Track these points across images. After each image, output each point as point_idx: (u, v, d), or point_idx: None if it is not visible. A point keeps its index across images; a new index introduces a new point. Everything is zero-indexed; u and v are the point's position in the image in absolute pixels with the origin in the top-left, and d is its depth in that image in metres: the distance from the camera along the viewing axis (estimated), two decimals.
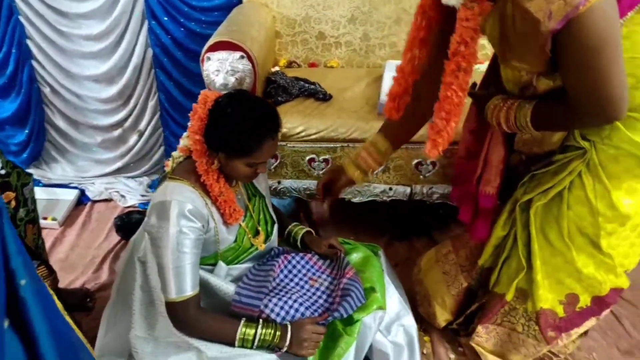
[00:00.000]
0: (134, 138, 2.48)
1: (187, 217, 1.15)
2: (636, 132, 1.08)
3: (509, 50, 1.02)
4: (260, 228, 1.38)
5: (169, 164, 1.31)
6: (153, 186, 2.48)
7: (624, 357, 1.66)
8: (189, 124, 1.21)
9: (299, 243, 1.46)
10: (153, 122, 2.46)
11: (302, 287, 1.32)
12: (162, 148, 2.56)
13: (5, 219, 0.56)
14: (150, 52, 2.29)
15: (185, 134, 1.31)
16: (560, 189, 1.21)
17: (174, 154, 1.32)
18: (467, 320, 1.62)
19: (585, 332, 1.49)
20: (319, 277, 1.37)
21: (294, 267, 1.37)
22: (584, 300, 1.34)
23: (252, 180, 1.30)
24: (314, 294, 1.32)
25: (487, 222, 1.42)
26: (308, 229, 1.50)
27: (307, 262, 1.39)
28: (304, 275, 1.36)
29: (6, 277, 0.56)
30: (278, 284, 1.30)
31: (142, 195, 2.41)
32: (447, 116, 1.10)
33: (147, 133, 2.47)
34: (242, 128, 1.15)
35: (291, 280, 1.34)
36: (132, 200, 2.37)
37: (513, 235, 1.36)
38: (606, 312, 1.38)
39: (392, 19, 2.16)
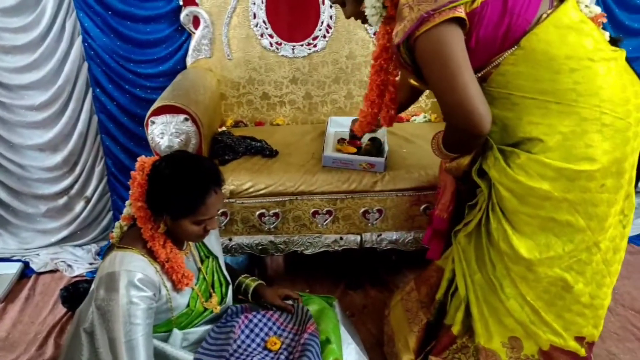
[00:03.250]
0: (80, 205, 2.43)
1: (137, 287, 1.13)
2: (518, 169, 1.17)
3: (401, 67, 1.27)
4: (214, 291, 1.37)
5: (114, 235, 1.30)
6: (101, 253, 2.41)
7: None
8: (130, 192, 1.22)
9: (249, 296, 1.46)
10: (100, 188, 2.43)
11: (264, 348, 1.31)
12: (111, 213, 2.51)
13: None
14: (95, 118, 2.31)
15: (127, 202, 1.32)
16: (476, 222, 1.29)
17: (118, 223, 1.32)
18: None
19: None
20: (281, 334, 1.36)
21: (256, 325, 1.35)
22: (529, 349, 1.31)
23: (203, 239, 1.29)
24: (275, 354, 1.30)
25: (440, 243, 1.53)
26: (260, 281, 1.50)
27: (268, 320, 1.38)
28: (266, 334, 1.35)
29: None
30: (239, 346, 1.29)
31: (90, 264, 2.33)
32: (370, 104, 1.61)
33: (94, 199, 2.43)
34: (183, 187, 1.17)
35: (252, 340, 1.32)
36: (80, 269, 2.29)
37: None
38: None
39: (331, 78, 2.29)
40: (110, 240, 1.32)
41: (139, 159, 1.24)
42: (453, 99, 1.10)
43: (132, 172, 1.21)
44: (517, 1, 1.12)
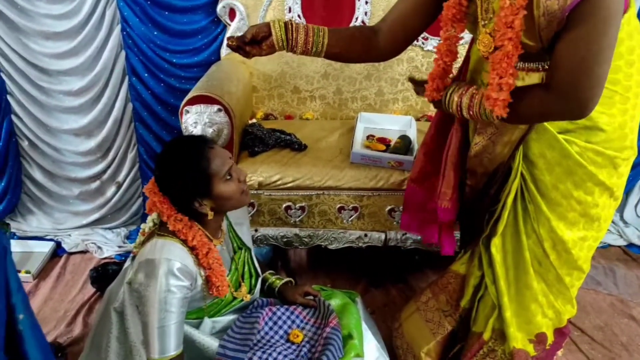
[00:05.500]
0: (112, 190, 2.50)
1: (175, 276, 1.15)
2: (577, 153, 1.18)
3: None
4: (243, 281, 1.39)
5: (145, 232, 1.34)
6: (131, 237, 2.47)
7: None
8: (153, 216, 1.26)
9: (275, 293, 1.48)
10: (132, 174, 2.49)
11: (287, 340, 1.33)
12: (140, 199, 2.57)
13: (8, 257, 0.59)
14: (130, 106, 2.36)
15: (149, 218, 1.35)
16: (505, 221, 1.30)
17: (139, 239, 1.36)
18: None
19: None
20: (304, 327, 1.38)
21: (279, 318, 1.37)
22: (550, 337, 1.38)
23: (248, 194, 1.30)
24: (297, 346, 1.32)
25: (451, 236, 1.52)
26: (286, 279, 1.52)
27: (292, 313, 1.40)
28: (289, 327, 1.37)
29: (7, 311, 0.58)
30: (263, 337, 1.31)
31: (119, 247, 2.40)
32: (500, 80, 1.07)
33: (125, 185, 2.49)
34: (184, 166, 1.19)
35: (276, 332, 1.34)
36: (109, 251, 2.36)
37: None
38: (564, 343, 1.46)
39: (362, 74, 2.28)
40: (141, 234, 1.35)
41: (144, 190, 1.28)
42: (589, 72, 0.99)
43: (147, 202, 1.25)
44: None
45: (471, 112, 1.15)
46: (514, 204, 1.29)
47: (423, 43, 2.22)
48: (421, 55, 2.25)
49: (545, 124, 1.19)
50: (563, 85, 1.02)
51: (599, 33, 0.97)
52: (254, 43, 1.27)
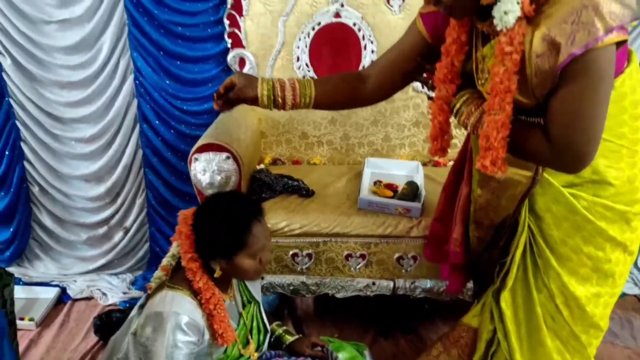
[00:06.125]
0: (119, 235, 2.50)
1: (183, 331, 1.14)
2: (584, 210, 1.15)
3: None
4: (251, 337, 1.36)
5: (152, 286, 1.32)
6: (136, 283, 2.45)
7: None
8: (174, 246, 1.24)
9: (283, 346, 1.45)
10: (139, 219, 2.49)
11: None
12: (147, 244, 2.57)
13: (6, 339, 0.58)
14: (140, 152, 2.39)
15: (169, 254, 1.34)
16: (514, 275, 1.27)
17: (157, 274, 1.33)
18: None
19: None
20: None
21: None
22: None
23: (261, 274, 1.29)
24: None
25: (459, 277, 1.53)
26: (296, 336, 1.48)
27: None
28: None
29: None
30: None
31: (124, 293, 2.37)
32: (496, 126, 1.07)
33: (133, 230, 2.49)
34: (227, 224, 1.19)
35: None
36: (114, 298, 2.33)
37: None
38: None
39: (369, 120, 2.31)
40: (148, 291, 1.33)
41: (179, 213, 1.26)
42: (583, 128, 1.00)
43: (177, 227, 1.24)
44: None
45: (475, 132, 1.15)
46: (523, 258, 1.26)
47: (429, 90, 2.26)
48: (427, 102, 2.27)
49: (550, 178, 1.18)
50: (558, 139, 1.03)
51: (591, 90, 0.98)
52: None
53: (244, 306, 1.37)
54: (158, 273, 1.33)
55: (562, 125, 1.02)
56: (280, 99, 1.29)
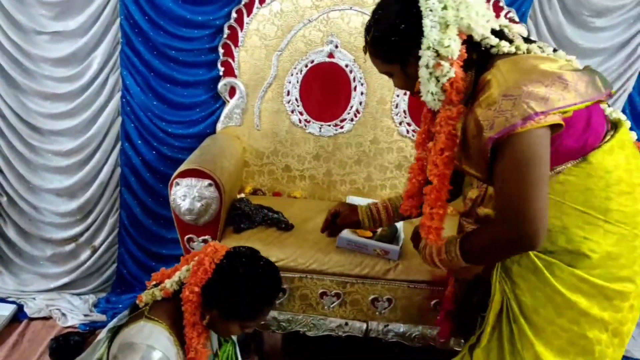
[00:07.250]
0: (86, 253, 2.41)
1: None
2: (557, 279, 1.13)
3: (464, 152, 1.15)
4: None
5: (143, 299, 1.26)
6: (98, 305, 2.35)
7: None
8: (183, 270, 1.21)
9: None
10: (110, 239, 2.42)
11: None
12: (115, 265, 2.48)
13: None
14: (118, 170, 2.34)
15: (174, 277, 1.28)
16: (488, 336, 1.24)
17: (152, 290, 1.27)
18: None
19: None
20: None
21: None
22: None
23: (232, 337, 1.31)
24: None
25: (448, 325, 1.59)
26: None
27: None
28: None
29: None
30: None
31: (85, 315, 2.27)
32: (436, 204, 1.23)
33: (101, 249, 2.41)
34: (252, 296, 1.17)
35: None
36: (74, 320, 2.22)
37: None
38: None
39: (353, 159, 2.33)
40: (138, 302, 1.27)
41: (211, 243, 1.23)
42: (523, 207, 1.03)
43: (200, 255, 1.20)
44: (595, 116, 1.12)
45: (441, 259, 1.24)
46: (499, 320, 1.22)
47: (413, 135, 2.30)
48: (410, 147, 2.32)
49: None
50: (504, 212, 1.09)
51: (517, 172, 1.03)
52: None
53: (220, 345, 1.33)
54: (155, 290, 1.26)
55: (504, 202, 1.08)
56: (377, 221, 1.60)
